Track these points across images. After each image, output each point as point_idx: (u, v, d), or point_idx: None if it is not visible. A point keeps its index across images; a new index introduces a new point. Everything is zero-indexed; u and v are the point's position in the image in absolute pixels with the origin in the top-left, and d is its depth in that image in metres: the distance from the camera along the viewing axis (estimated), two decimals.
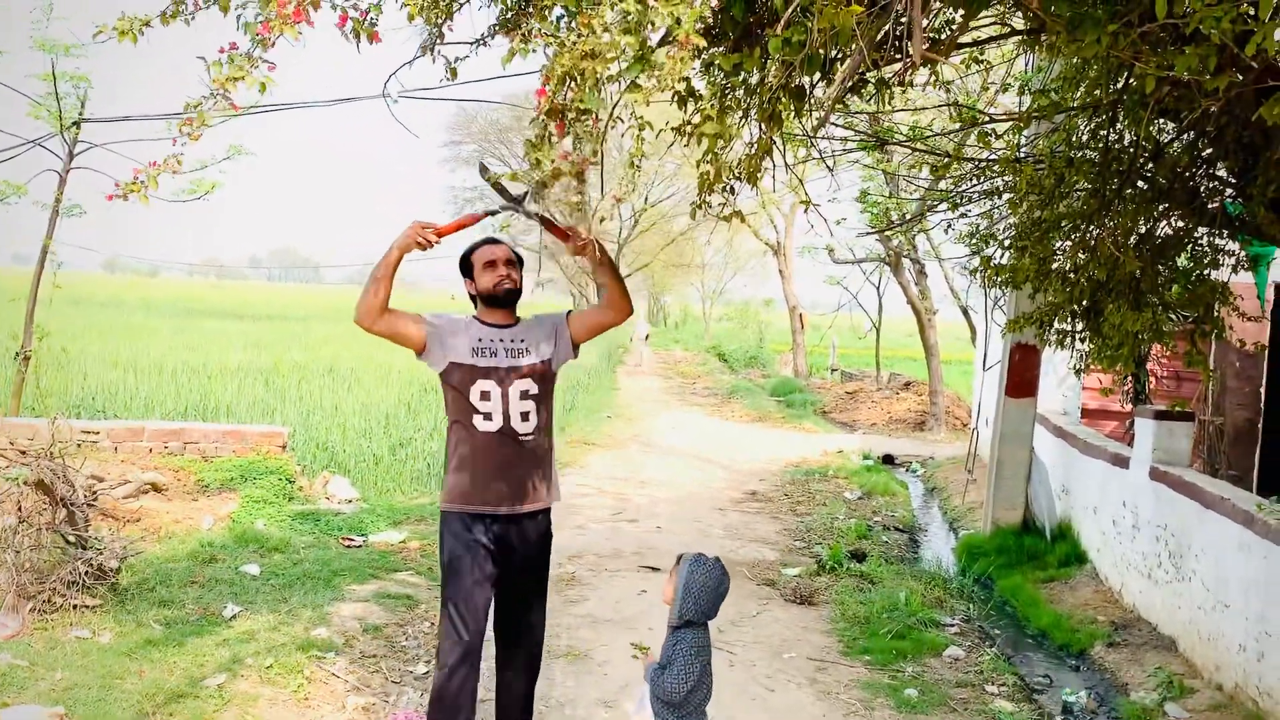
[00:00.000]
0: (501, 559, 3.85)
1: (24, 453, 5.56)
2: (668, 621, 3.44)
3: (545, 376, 3.92)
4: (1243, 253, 5.39)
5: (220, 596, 5.67)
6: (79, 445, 7.25)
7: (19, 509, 5.20)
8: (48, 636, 4.73)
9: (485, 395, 3.79)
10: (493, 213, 3.70)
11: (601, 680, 5.35)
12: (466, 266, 3.97)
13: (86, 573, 5.21)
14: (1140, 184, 4.82)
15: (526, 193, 3.55)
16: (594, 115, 2.79)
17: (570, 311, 4.11)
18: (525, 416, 3.83)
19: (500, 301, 3.89)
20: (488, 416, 3.79)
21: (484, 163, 3.48)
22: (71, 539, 5.36)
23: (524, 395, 3.84)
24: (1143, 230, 5.09)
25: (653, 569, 7.57)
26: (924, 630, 6.47)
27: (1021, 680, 6.01)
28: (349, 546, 7.20)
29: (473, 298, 3.99)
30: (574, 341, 4.01)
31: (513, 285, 3.90)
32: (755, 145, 3.45)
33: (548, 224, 3.75)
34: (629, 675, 5.31)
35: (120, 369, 14.78)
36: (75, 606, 5.05)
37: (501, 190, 3.52)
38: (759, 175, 3.63)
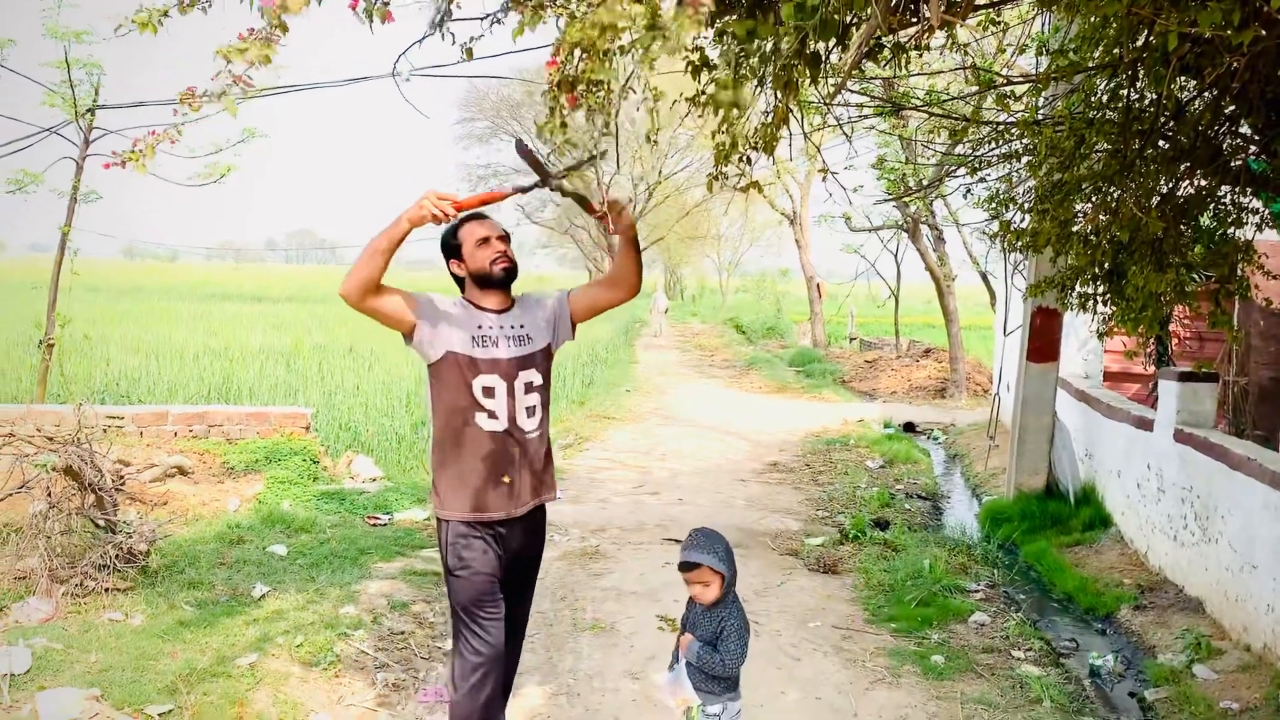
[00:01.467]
0: (506, 559, 3.58)
1: (51, 439, 5.61)
2: (699, 602, 3.44)
3: (548, 364, 3.64)
4: (1267, 211, 5.31)
5: (249, 577, 5.73)
6: (104, 431, 7.32)
7: (48, 495, 5.26)
8: (81, 620, 4.79)
9: (489, 392, 3.45)
10: (523, 189, 3.40)
11: (628, 652, 5.38)
12: (452, 246, 3.58)
13: (117, 556, 5.27)
14: (1162, 143, 4.76)
15: (568, 168, 3.23)
16: (606, 86, 2.77)
17: (570, 290, 3.78)
18: (530, 412, 3.53)
19: (497, 283, 3.53)
20: (492, 415, 3.45)
21: (521, 140, 3.21)
22: (101, 523, 5.42)
23: (529, 388, 3.54)
24: (1165, 190, 5.03)
25: (676, 541, 7.59)
26: (949, 597, 6.47)
27: (1048, 644, 6.01)
28: (374, 525, 7.25)
29: (459, 280, 3.61)
30: (573, 322, 3.73)
31: (510, 264, 3.54)
32: (771, 114, 3.42)
33: (582, 201, 3.36)
34: (655, 647, 5.34)
35: (142, 354, 14.92)
36: (107, 589, 5.11)
37: (536, 165, 3.25)
38: (776, 144, 3.60)
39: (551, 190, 3.23)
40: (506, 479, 3.50)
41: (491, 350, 3.48)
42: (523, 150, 3.21)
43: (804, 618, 6.07)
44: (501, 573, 3.55)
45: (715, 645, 3.45)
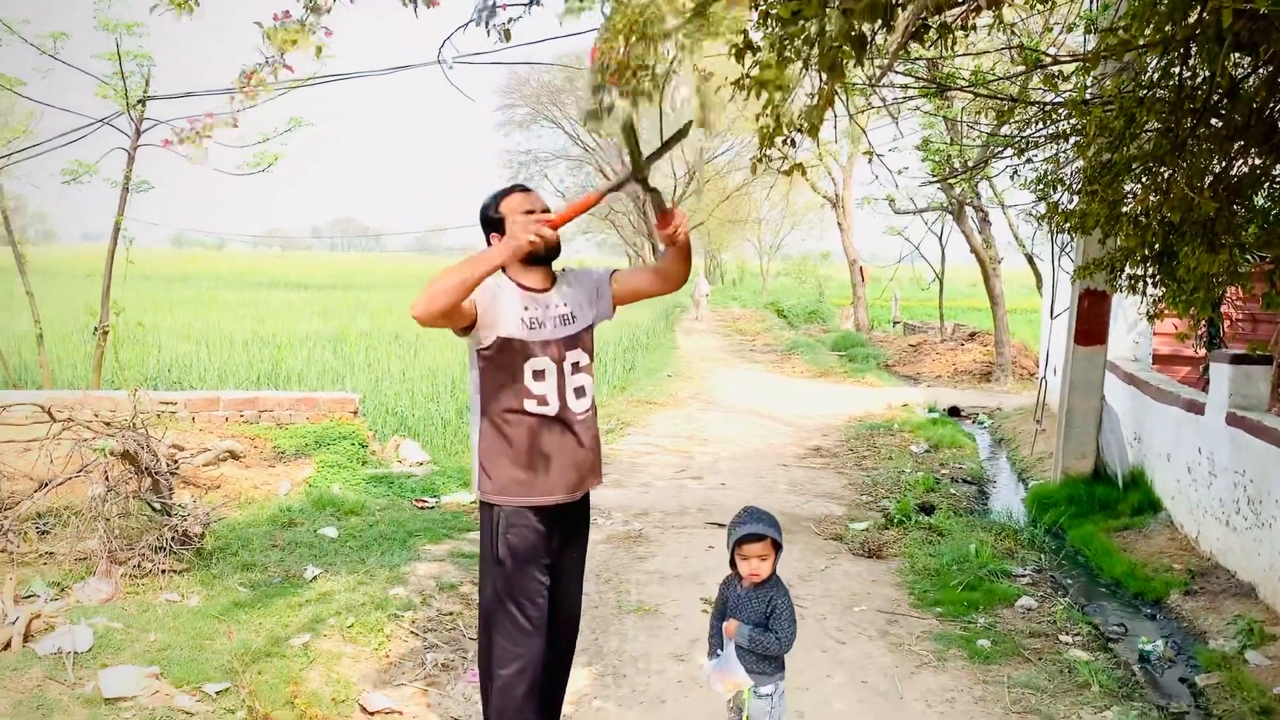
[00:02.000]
0: (555, 546, 3.53)
1: (108, 424, 5.75)
2: (754, 578, 3.47)
3: (592, 342, 3.57)
4: None
5: (301, 559, 5.83)
6: (158, 416, 7.48)
7: (106, 478, 5.39)
8: (139, 600, 4.92)
9: (540, 375, 3.38)
10: (615, 188, 3.29)
11: (673, 635, 5.42)
12: (494, 220, 3.44)
13: (172, 538, 5.39)
14: (1215, 122, 4.67)
15: (659, 150, 3.11)
16: (652, 71, 2.78)
17: (616, 270, 3.70)
18: (580, 393, 3.48)
19: (542, 259, 3.43)
20: (542, 400, 3.39)
21: (631, 120, 2.97)
22: (157, 506, 5.55)
23: (576, 368, 3.48)
24: (1218, 170, 4.94)
25: (719, 525, 7.61)
26: (995, 581, 6.44)
27: (1096, 629, 5.96)
28: (422, 508, 7.35)
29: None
30: (615, 303, 3.65)
31: (556, 240, 3.42)
32: (817, 96, 3.40)
33: (658, 200, 3.24)
34: (700, 629, 5.37)
35: (193, 341, 15.18)
36: (163, 571, 5.23)
37: (635, 149, 3.06)
38: (820, 127, 3.59)
39: (638, 182, 3.12)
40: (559, 464, 3.43)
41: (540, 332, 3.41)
42: (628, 131, 3.03)
43: (848, 602, 6.06)
44: (549, 560, 3.51)
45: (766, 625, 3.47)
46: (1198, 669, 5.48)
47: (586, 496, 3.66)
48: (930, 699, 4.72)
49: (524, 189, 3.52)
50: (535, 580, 3.46)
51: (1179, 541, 7.48)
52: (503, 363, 3.37)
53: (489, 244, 3.46)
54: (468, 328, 3.32)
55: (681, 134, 3.06)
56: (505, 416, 3.40)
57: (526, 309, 3.41)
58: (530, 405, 3.38)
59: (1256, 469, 6.34)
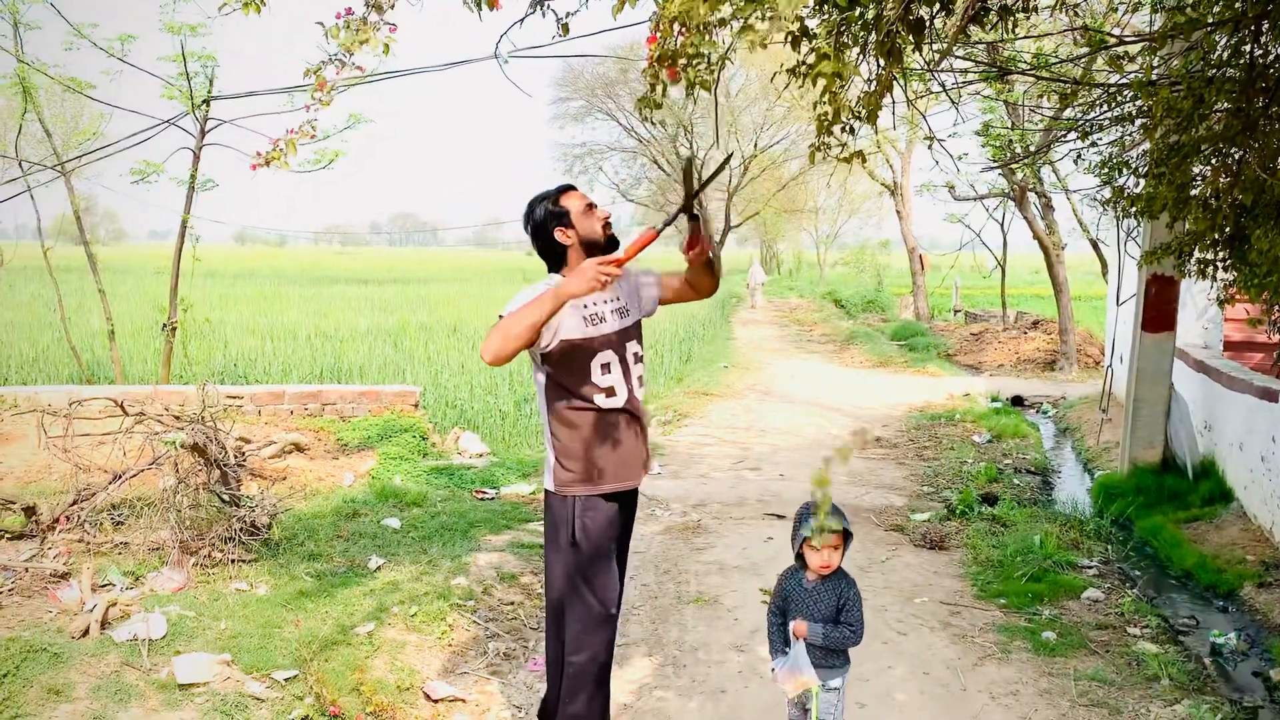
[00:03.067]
0: (620, 535, 3.67)
1: (178, 418, 5.89)
2: (824, 570, 3.45)
3: (641, 333, 3.68)
4: None
5: (365, 549, 5.93)
6: (225, 410, 7.64)
7: (176, 470, 5.53)
8: (210, 589, 5.03)
9: (606, 368, 3.48)
10: (670, 221, 3.41)
11: (733, 625, 5.42)
12: (557, 214, 3.51)
13: (241, 529, 5.51)
14: None
15: (702, 184, 3.29)
16: (707, 60, 2.78)
17: (663, 272, 3.78)
18: (640, 382, 3.60)
19: (603, 248, 3.51)
20: (610, 392, 3.48)
21: (692, 158, 3.28)
22: (225, 497, 5.68)
23: (636, 359, 3.59)
24: None
25: (778, 516, 7.59)
26: (1060, 573, 6.33)
27: (1165, 622, 5.84)
28: (482, 499, 7.42)
29: (560, 250, 3.53)
30: (659, 302, 3.75)
31: (613, 229, 3.56)
32: (875, 82, 3.37)
33: (696, 228, 3.38)
34: (759, 620, 5.36)
35: (258, 336, 15.49)
36: (233, 561, 5.35)
37: (690, 181, 3.25)
38: (879, 113, 3.55)
39: (686, 213, 3.27)
40: (629, 451, 3.53)
41: (602, 326, 3.50)
42: (688, 169, 3.26)
43: (910, 594, 6.01)
44: (613, 550, 3.60)
45: (836, 619, 3.45)
46: (1272, 663, 5.33)
47: (636, 491, 3.75)
48: (994, 691, 4.67)
49: (570, 188, 3.62)
50: (609, 566, 3.57)
51: (1252, 533, 7.29)
52: (569, 362, 3.45)
53: (553, 238, 3.53)
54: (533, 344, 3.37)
55: (725, 164, 3.26)
56: (577, 412, 3.48)
57: (585, 306, 3.49)
58: (600, 399, 3.47)
59: None
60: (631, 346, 3.58)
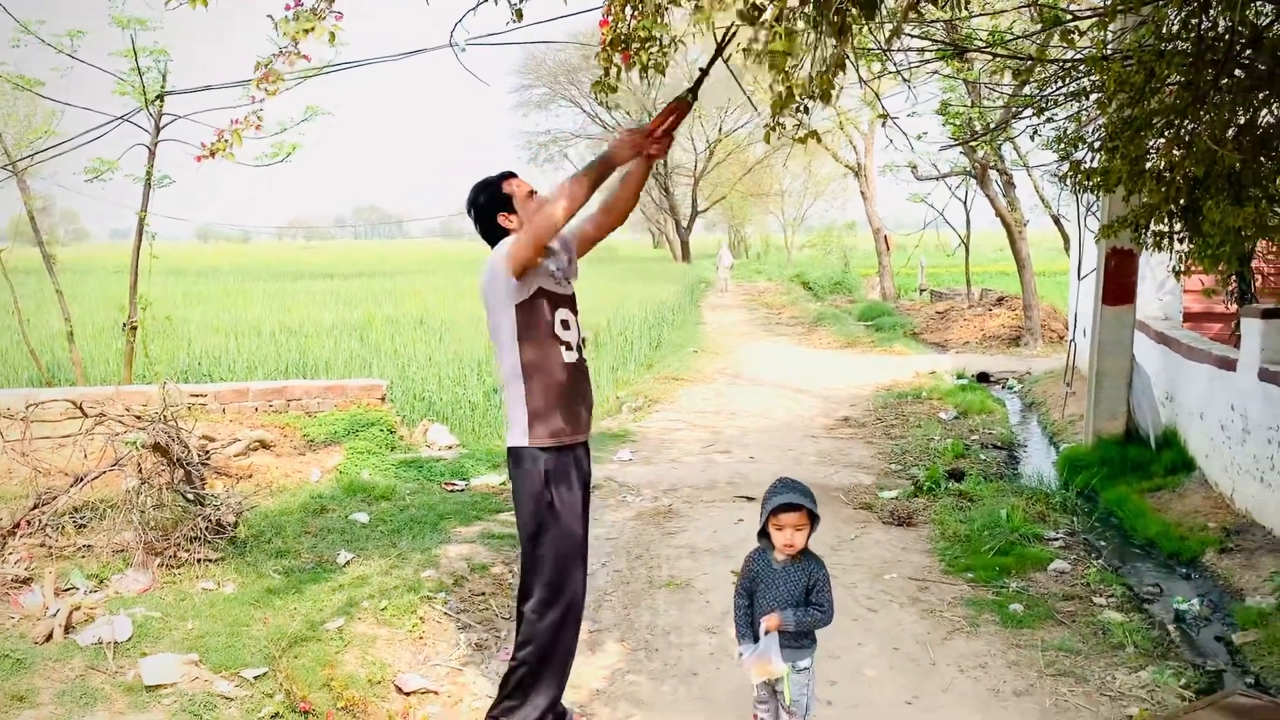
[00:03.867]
0: (582, 484, 3.86)
1: (139, 418, 5.82)
2: (789, 550, 3.48)
3: None
4: None
5: (333, 544, 5.89)
6: (189, 408, 7.56)
7: (140, 471, 5.46)
8: (176, 589, 4.99)
9: (566, 324, 3.75)
10: (693, 90, 3.64)
11: (704, 608, 5.44)
12: (502, 199, 3.77)
13: (206, 528, 5.46)
14: (1237, 73, 4.58)
15: (701, 74, 3.59)
16: (659, 42, 2.77)
17: (570, 232, 3.97)
18: (585, 343, 3.90)
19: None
20: (568, 346, 3.75)
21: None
22: (190, 497, 5.62)
23: (581, 324, 3.90)
24: (1242, 121, 4.85)
25: (749, 498, 7.62)
26: (1027, 545, 6.41)
27: (1130, 590, 5.92)
28: (452, 491, 7.40)
29: (501, 234, 3.75)
30: (580, 251, 4.01)
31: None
32: (827, 61, 3.37)
33: (685, 111, 3.67)
34: (730, 603, 5.37)
35: (222, 334, 15.32)
36: (199, 560, 5.30)
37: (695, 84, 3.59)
38: (832, 92, 3.56)
39: (691, 94, 3.59)
40: (586, 404, 3.81)
41: (562, 285, 3.79)
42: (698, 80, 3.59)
43: (879, 570, 6.06)
44: (582, 502, 3.84)
45: (806, 600, 3.47)
46: (1234, 627, 5.43)
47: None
48: (963, 664, 4.72)
49: (513, 175, 3.86)
50: (577, 524, 3.79)
51: (1213, 500, 7.41)
52: (539, 313, 3.68)
53: (496, 223, 3.78)
54: (526, 268, 3.61)
55: (728, 39, 3.50)
56: (541, 364, 3.70)
57: (552, 264, 3.78)
58: (562, 350, 3.73)
59: None
60: (578, 311, 3.88)
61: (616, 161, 3.58)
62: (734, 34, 3.44)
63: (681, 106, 3.65)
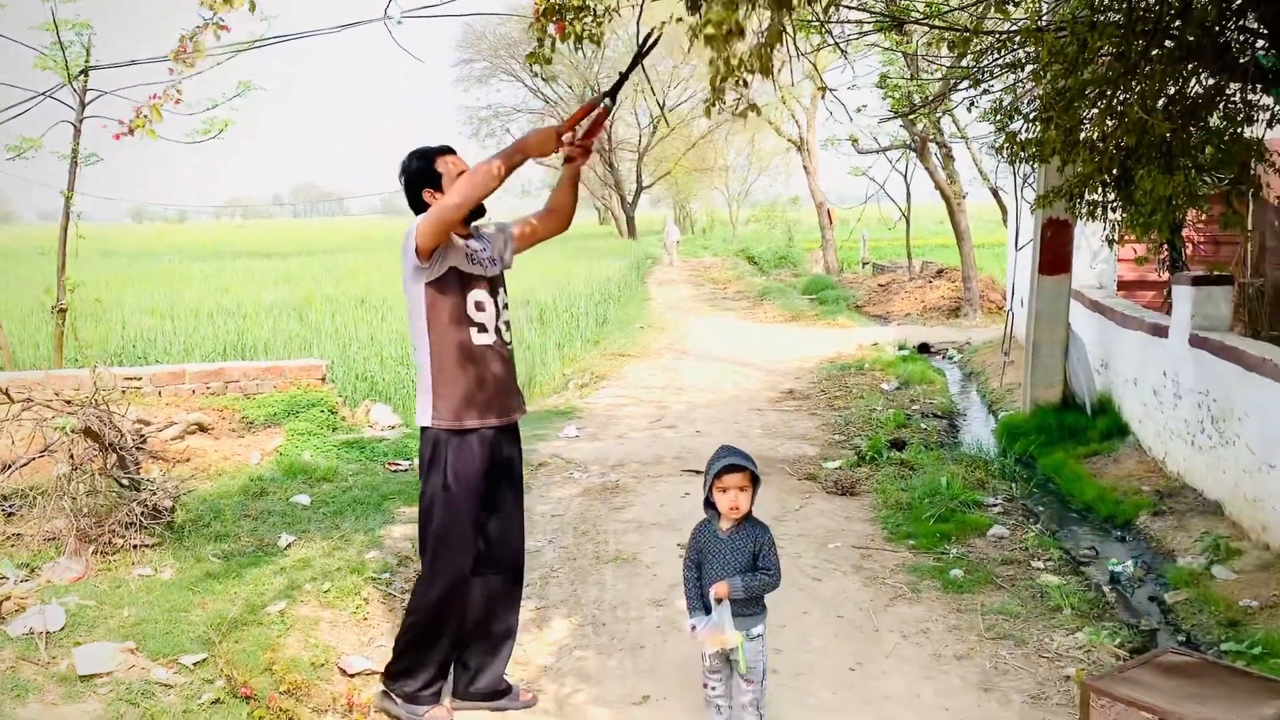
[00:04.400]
0: (493, 470, 3.83)
1: (69, 402, 5.67)
2: (734, 513, 3.50)
3: (506, 286, 3.94)
4: (1277, 107, 5.21)
5: (274, 527, 5.81)
6: (123, 392, 7.40)
7: (71, 457, 5.32)
8: (112, 576, 4.88)
9: (480, 306, 3.73)
10: (611, 93, 3.63)
11: (651, 581, 5.46)
12: (431, 175, 3.75)
13: (142, 513, 5.34)
14: (1167, 43, 4.66)
15: (624, 73, 3.59)
16: (592, 12, 2.73)
17: (512, 223, 4.03)
18: (507, 327, 3.86)
19: (473, 215, 3.76)
20: (482, 329, 3.73)
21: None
22: (125, 482, 5.49)
23: (504, 306, 3.86)
24: (1171, 91, 4.94)
25: (696, 472, 7.64)
26: (967, 512, 6.51)
27: (1067, 554, 6.05)
28: (395, 471, 7.32)
29: (424, 209, 3.73)
30: (515, 250, 4.00)
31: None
32: (765, 34, 3.35)
33: (604, 117, 3.67)
34: (678, 575, 5.38)
35: (157, 316, 15.00)
36: (135, 546, 5.19)
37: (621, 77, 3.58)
38: (771, 65, 3.54)
39: (610, 96, 3.61)
40: (498, 389, 3.77)
41: (478, 267, 3.76)
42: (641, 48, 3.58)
43: (823, 540, 6.12)
44: (486, 485, 3.81)
45: (754, 566, 3.49)
46: (1167, 587, 5.58)
47: (517, 428, 3.98)
48: (905, 630, 4.79)
49: (452, 150, 3.82)
50: (474, 511, 3.79)
51: (1147, 464, 7.59)
52: (450, 293, 3.68)
53: (422, 198, 3.76)
54: (431, 253, 3.63)
55: (650, 45, 3.50)
56: (452, 346, 3.70)
57: (469, 247, 3.78)
58: (473, 333, 3.72)
59: (1220, 389, 6.41)
60: (500, 295, 3.84)
61: (529, 152, 3.58)
62: (656, 40, 3.44)
63: (600, 111, 3.64)
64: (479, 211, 3.76)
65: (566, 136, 3.62)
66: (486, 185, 3.51)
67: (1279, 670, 4.15)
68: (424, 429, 3.78)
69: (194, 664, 4.05)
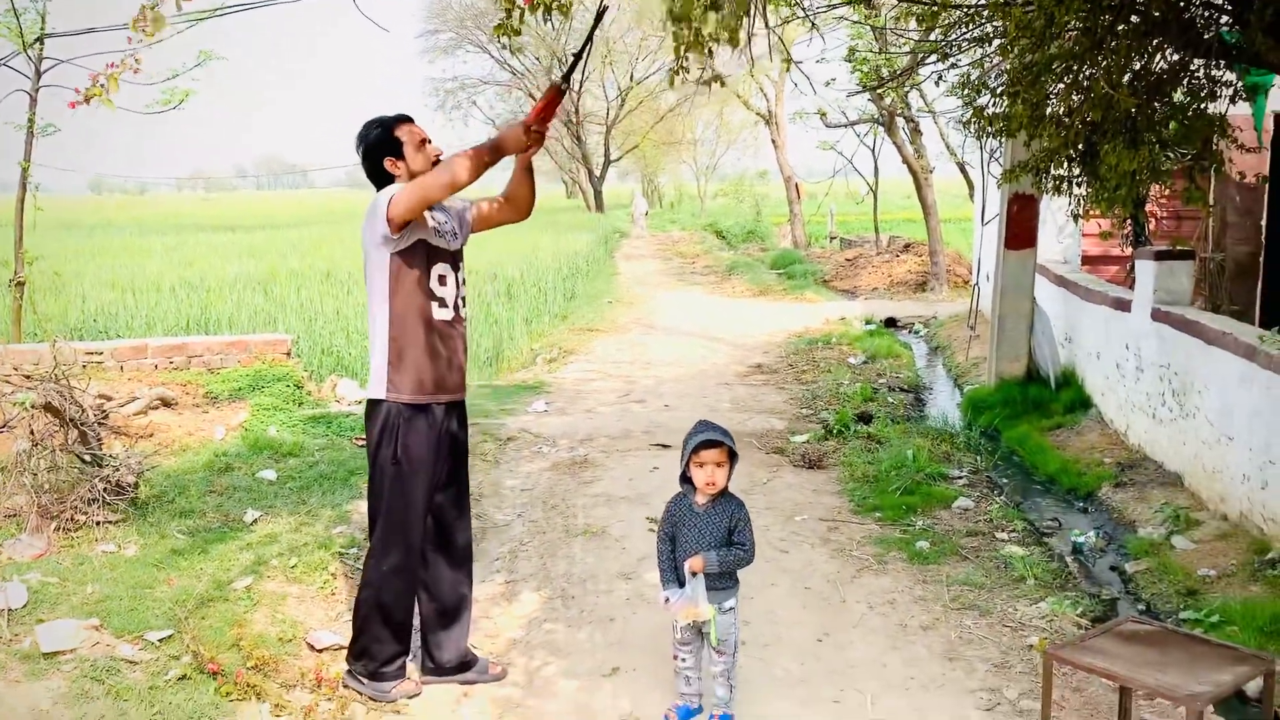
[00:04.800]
0: (444, 445, 3.83)
1: (29, 377, 5.57)
2: (711, 488, 3.52)
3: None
4: (1240, 83, 5.26)
5: (239, 503, 5.76)
6: (84, 367, 7.27)
7: (31, 433, 5.24)
8: (75, 553, 4.82)
9: (442, 280, 3.72)
10: (566, 76, 3.64)
11: (620, 554, 5.47)
12: (391, 143, 3.72)
13: (105, 489, 5.27)
14: (1133, 18, 4.67)
15: (576, 55, 3.62)
16: None
17: (475, 201, 4.01)
18: (464, 302, 3.85)
19: None
20: (442, 303, 3.72)
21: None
22: (87, 458, 5.41)
23: (463, 281, 3.85)
24: (1137, 67, 4.96)
25: (664, 446, 7.66)
26: (933, 484, 6.58)
27: (1031, 525, 6.14)
28: (362, 446, 7.27)
29: (387, 178, 3.73)
30: (472, 231, 3.98)
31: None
32: (733, 4, 3.34)
33: (559, 97, 3.62)
34: (647, 549, 5.42)
35: (118, 290, 14.76)
36: (98, 523, 5.12)
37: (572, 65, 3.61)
38: (739, 37, 3.52)
39: (562, 83, 3.59)
40: (454, 365, 3.78)
41: (443, 240, 3.74)
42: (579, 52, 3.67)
43: (791, 512, 6.17)
44: (435, 461, 3.80)
45: (729, 540, 3.51)
46: (1127, 557, 5.68)
47: (464, 405, 3.98)
48: (872, 600, 4.84)
49: (408, 119, 3.78)
50: (426, 489, 3.81)
51: (1109, 436, 7.70)
52: (415, 264, 3.65)
53: (381, 166, 3.73)
54: (402, 227, 3.60)
55: (600, 18, 3.55)
56: (414, 318, 3.67)
57: (433, 217, 3.72)
58: (434, 307, 3.70)
59: (1181, 362, 6.51)
60: (461, 270, 3.84)
61: (505, 150, 3.58)
62: (603, 12, 3.45)
63: (554, 94, 3.61)
64: None
65: (536, 128, 3.61)
66: (473, 173, 3.50)
67: (1236, 638, 4.24)
68: (377, 401, 3.75)
69: (160, 640, 4.01)
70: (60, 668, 3.75)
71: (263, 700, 3.76)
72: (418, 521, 3.83)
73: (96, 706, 3.51)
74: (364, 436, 7.45)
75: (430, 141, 3.78)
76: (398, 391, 3.69)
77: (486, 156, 3.54)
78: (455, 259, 3.81)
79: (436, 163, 3.71)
